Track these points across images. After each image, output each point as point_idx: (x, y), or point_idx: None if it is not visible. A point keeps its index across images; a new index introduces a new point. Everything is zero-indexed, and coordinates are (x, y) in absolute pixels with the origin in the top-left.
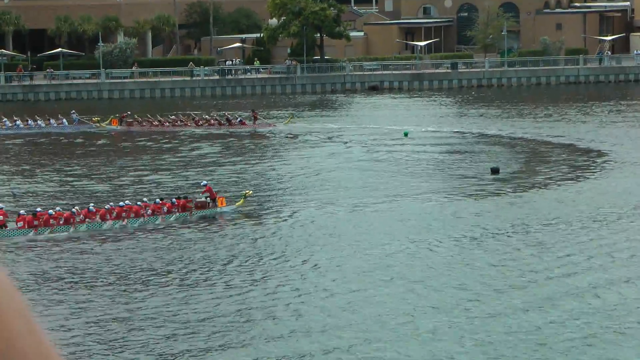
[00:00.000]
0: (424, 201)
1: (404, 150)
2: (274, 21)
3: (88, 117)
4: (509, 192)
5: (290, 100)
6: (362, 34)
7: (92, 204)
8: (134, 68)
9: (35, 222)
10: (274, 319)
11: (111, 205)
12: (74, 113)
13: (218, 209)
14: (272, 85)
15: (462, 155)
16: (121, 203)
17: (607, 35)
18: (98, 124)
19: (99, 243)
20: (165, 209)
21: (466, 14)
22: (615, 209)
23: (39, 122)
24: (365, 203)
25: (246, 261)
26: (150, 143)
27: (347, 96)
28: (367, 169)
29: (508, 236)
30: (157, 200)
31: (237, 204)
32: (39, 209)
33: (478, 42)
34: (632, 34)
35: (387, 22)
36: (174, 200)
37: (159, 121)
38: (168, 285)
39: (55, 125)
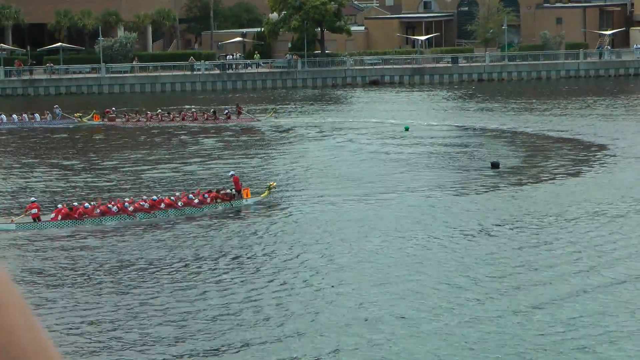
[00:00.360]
0: (423, 195)
1: (405, 144)
2: (274, 15)
3: (70, 111)
4: (509, 186)
5: (291, 94)
6: (362, 28)
7: (126, 198)
8: (134, 62)
9: (70, 216)
10: (283, 314)
11: (144, 198)
12: (57, 108)
13: (244, 201)
14: (272, 79)
15: (463, 150)
16: (154, 197)
17: (607, 30)
18: (80, 119)
19: (131, 236)
20: (196, 201)
21: (466, 8)
22: (617, 204)
23: (24, 116)
24: (366, 197)
25: (251, 256)
26: (135, 138)
27: (347, 90)
28: (367, 163)
29: (507, 231)
30: (190, 195)
31: (261, 195)
32: (75, 203)
33: (478, 36)
34: (631, 28)
35: (388, 16)
36: (205, 194)
37: (144, 116)
38: (196, 277)
39: (39, 120)
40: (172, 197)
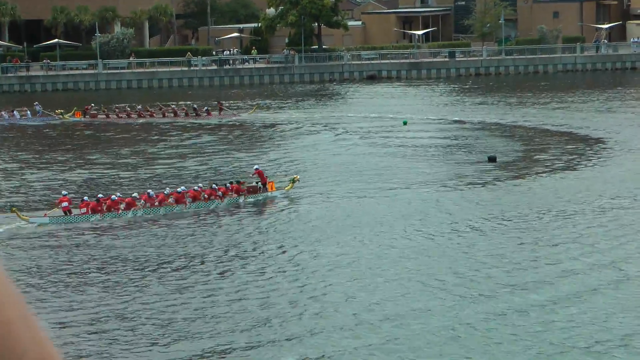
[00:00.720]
0: (421, 190)
1: (403, 138)
2: (271, 11)
3: (51, 110)
4: (506, 180)
5: (289, 90)
6: (359, 23)
7: (150, 190)
8: (131, 58)
9: (99, 208)
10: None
11: (170, 191)
12: (37, 105)
13: (269, 194)
14: (270, 75)
15: (460, 144)
16: (179, 189)
17: (603, 23)
18: (61, 116)
19: (157, 227)
20: (220, 193)
21: (464, 3)
22: (615, 198)
23: (3, 114)
24: (364, 192)
25: (258, 251)
26: (118, 134)
27: (345, 85)
28: (365, 157)
29: (505, 226)
30: (214, 185)
31: (286, 188)
32: (100, 195)
33: (476, 30)
34: (628, 22)
35: (385, 11)
36: (227, 184)
37: (125, 112)
38: (210, 270)
39: (19, 117)
40: (196, 188)
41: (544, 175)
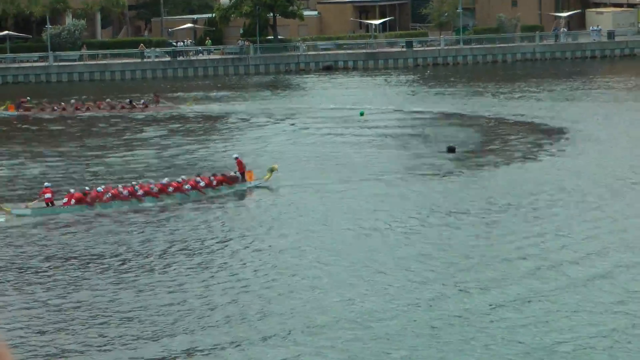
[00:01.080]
0: (379, 181)
1: (360, 130)
2: (225, 1)
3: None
4: (465, 171)
5: (244, 81)
6: (315, 13)
7: (135, 182)
8: (83, 50)
9: (84, 200)
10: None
11: (154, 182)
12: None
13: (248, 184)
14: (224, 66)
15: (419, 135)
16: (163, 180)
17: (563, 12)
18: None
19: (139, 219)
20: (203, 184)
21: None
22: (576, 188)
23: None
24: (320, 185)
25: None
26: (55, 128)
27: (301, 76)
28: (322, 150)
29: (465, 218)
30: (197, 177)
31: (264, 177)
32: (86, 187)
33: (433, 19)
34: (587, 9)
35: (341, 0)
36: (211, 177)
37: (61, 106)
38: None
39: None
40: (179, 180)
41: (504, 166)
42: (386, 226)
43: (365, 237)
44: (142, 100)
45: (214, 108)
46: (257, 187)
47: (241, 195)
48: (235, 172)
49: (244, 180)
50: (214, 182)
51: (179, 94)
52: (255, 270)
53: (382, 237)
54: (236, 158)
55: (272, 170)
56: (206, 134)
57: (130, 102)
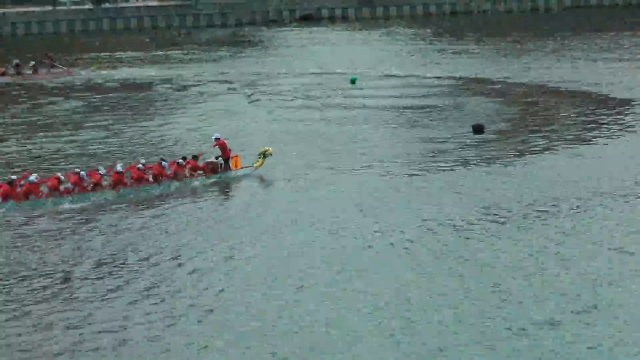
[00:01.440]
0: (382, 171)
1: (352, 103)
2: None
3: None
4: (497, 157)
5: (192, 37)
6: None
7: (78, 169)
8: None
9: (12, 193)
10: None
11: (106, 170)
12: None
13: (232, 173)
14: (165, 15)
15: (432, 109)
16: (118, 167)
17: None
18: None
19: (87, 216)
20: (169, 171)
21: None
22: (629, 182)
23: None
24: (308, 176)
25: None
26: None
27: (270, 30)
28: (303, 130)
29: (497, 218)
30: (163, 162)
31: (255, 165)
32: (14, 177)
33: None
34: None
35: None
36: (180, 161)
37: None
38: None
39: None
40: (139, 167)
41: (547, 150)
42: (392, 229)
43: (365, 241)
44: (32, 63)
45: (169, 72)
46: (245, 176)
47: (224, 188)
48: (216, 157)
49: (227, 167)
50: (187, 170)
51: (94, 54)
52: (235, 287)
53: (387, 243)
54: (217, 139)
55: (264, 154)
56: (133, 110)
57: (17, 65)
